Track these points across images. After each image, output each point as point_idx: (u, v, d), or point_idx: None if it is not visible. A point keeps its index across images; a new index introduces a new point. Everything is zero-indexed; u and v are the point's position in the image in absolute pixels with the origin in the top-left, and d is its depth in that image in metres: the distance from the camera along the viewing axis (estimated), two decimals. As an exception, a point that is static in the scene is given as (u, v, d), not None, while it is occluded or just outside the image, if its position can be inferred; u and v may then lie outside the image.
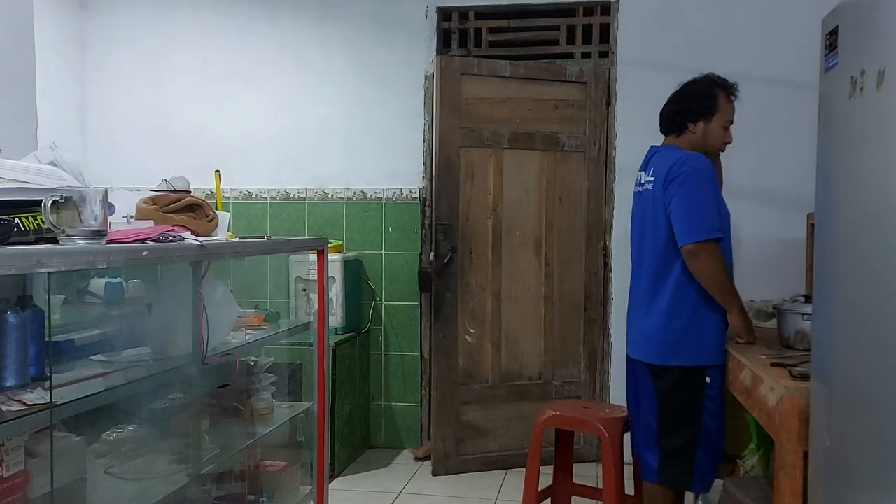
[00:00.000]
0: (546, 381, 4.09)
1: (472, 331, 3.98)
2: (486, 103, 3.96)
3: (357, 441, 4.16)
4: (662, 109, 2.73)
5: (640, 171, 2.77)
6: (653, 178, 2.63)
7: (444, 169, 3.90)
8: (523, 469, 2.99)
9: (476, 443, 4.00)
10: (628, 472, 2.89)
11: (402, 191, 4.29)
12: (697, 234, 2.47)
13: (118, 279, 2.46)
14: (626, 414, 2.85)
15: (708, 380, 2.54)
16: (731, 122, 2.68)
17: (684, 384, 2.55)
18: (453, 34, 4.31)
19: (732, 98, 2.67)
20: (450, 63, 3.91)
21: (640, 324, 2.67)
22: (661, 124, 2.74)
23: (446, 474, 3.90)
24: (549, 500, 3.06)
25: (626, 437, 2.84)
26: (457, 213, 3.93)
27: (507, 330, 4.04)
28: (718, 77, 2.68)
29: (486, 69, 3.96)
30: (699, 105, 2.63)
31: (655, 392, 2.60)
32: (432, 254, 3.90)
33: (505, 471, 3.95)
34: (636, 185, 2.80)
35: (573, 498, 3.12)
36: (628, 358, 2.76)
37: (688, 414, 2.55)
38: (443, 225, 3.90)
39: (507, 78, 3.98)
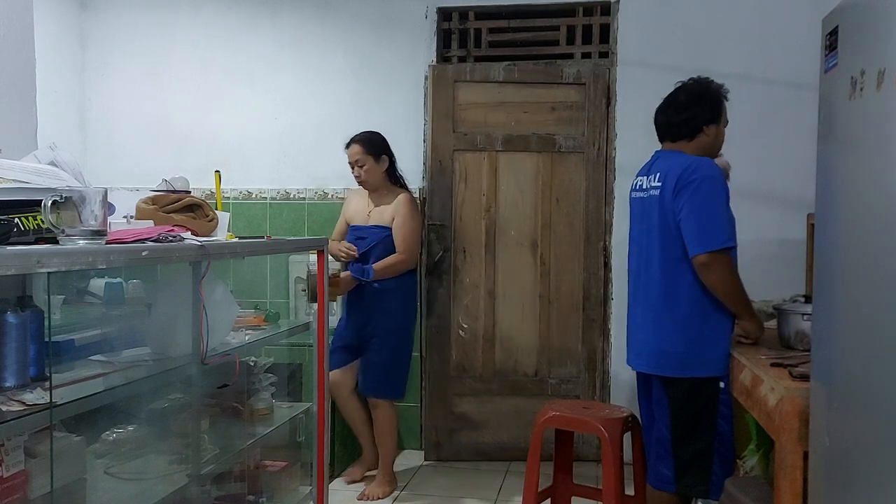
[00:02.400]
0: (542, 378, 4.15)
1: (465, 326, 4.11)
2: (480, 108, 4.07)
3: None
4: (667, 117, 2.66)
5: (642, 175, 2.72)
6: (659, 185, 2.57)
7: (437, 172, 4.07)
8: (520, 463, 2.98)
9: (469, 434, 4.15)
10: (628, 472, 2.88)
11: (402, 191, 4.29)
12: (710, 244, 2.43)
13: (118, 279, 2.46)
14: (626, 414, 2.85)
15: (721, 385, 2.52)
16: (727, 123, 2.70)
17: (698, 393, 2.53)
18: (453, 34, 4.31)
19: (726, 100, 2.69)
20: (443, 72, 4.02)
21: (650, 336, 2.62)
22: (666, 131, 2.68)
23: (437, 461, 4.07)
24: (548, 500, 3.06)
25: (627, 437, 2.83)
26: (450, 214, 4.08)
27: (501, 326, 4.15)
28: (711, 80, 2.68)
29: (480, 75, 4.06)
30: (712, 109, 2.62)
31: (669, 402, 2.57)
32: (342, 271, 3.60)
33: (507, 465, 3.99)
34: (635, 190, 2.75)
35: (573, 498, 3.12)
36: (638, 373, 2.74)
37: (702, 422, 2.53)
38: (436, 225, 4.05)
39: (502, 82, 4.06)
